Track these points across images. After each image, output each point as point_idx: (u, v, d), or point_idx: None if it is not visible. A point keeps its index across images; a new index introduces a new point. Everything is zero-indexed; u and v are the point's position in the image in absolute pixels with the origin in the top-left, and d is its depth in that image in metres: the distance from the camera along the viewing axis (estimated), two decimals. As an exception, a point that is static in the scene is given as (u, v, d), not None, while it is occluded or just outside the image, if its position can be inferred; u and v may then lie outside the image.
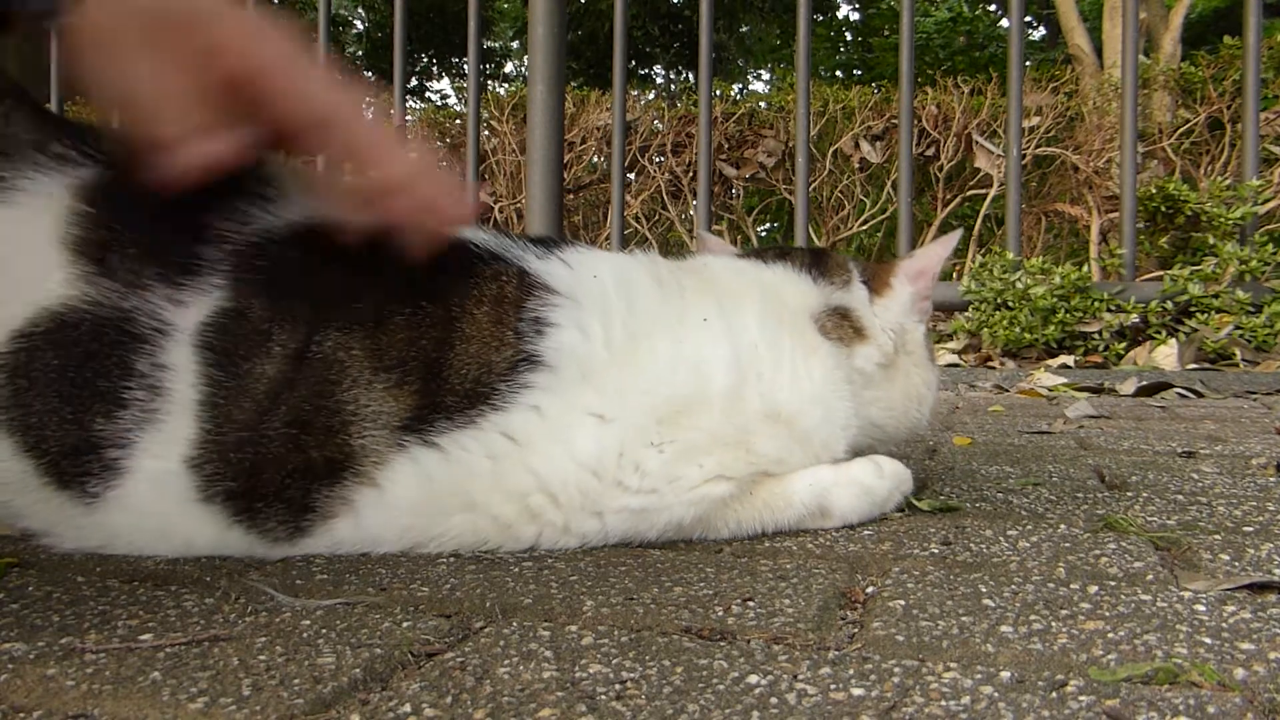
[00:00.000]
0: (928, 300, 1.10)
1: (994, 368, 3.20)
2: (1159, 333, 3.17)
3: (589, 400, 0.84)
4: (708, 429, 0.87)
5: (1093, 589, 0.73)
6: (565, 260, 0.91)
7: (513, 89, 6.74)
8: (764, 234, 8.11)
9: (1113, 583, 0.75)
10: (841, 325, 1.01)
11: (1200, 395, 2.54)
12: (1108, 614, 0.67)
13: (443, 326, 0.82)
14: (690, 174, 5.76)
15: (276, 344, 0.78)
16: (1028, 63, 6.77)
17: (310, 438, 0.78)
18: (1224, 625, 0.65)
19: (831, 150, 5.76)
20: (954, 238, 1.11)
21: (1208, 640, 0.62)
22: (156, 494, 0.78)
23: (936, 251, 1.09)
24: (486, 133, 5.87)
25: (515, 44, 16.83)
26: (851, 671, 0.57)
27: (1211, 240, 3.39)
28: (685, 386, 0.87)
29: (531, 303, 0.85)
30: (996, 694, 0.53)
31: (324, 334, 0.78)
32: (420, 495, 0.81)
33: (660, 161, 6.00)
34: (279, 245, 0.81)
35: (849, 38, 16.01)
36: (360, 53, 16.29)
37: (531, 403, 0.82)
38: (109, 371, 0.76)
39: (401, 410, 0.79)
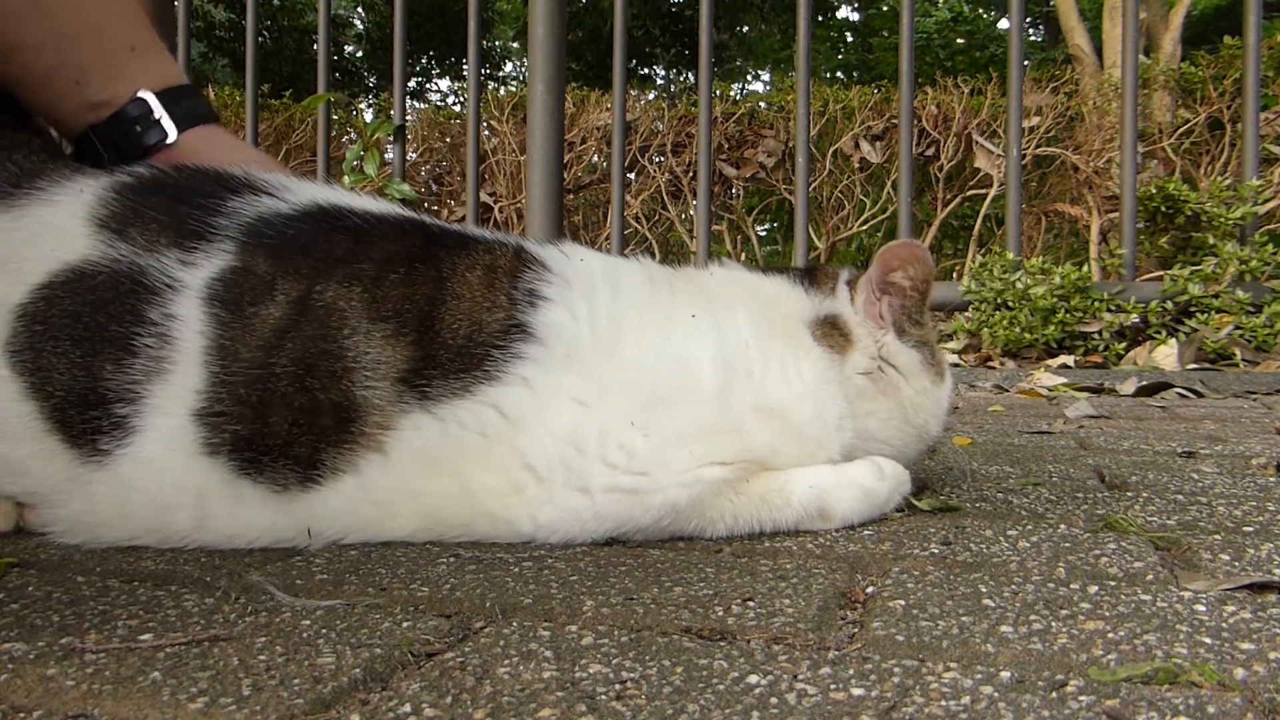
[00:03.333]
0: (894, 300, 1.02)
1: (994, 368, 3.20)
2: (1159, 333, 3.17)
3: (571, 383, 0.87)
4: (695, 418, 0.88)
5: (1093, 589, 0.73)
6: (561, 249, 0.97)
7: (513, 89, 6.74)
8: (764, 234, 8.11)
9: (1113, 583, 0.75)
10: (832, 334, 1.01)
11: (1200, 395, 2.54)
12: (1108, 614, 0.67)
13: (435, 285, 0.87)
14: (690, 174, 5.76)
15: (280, 292, 0.84)
16: (1027, 63, 6.76)
17: (316, 380, 0.81)
18: (1224, 625, 0.65)
19: (831, 150, 5.75)
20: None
21: (1208, 640, 0.62)
22: (165, 447, 0.81)
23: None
24: (486, 133, 5.87)
25: (515, 44, 16.83)
26: (851, 671, 0.57)
27: (1211, 240, 3.39)
28: (670, 376, 0.90)
29: (527, 275, 0.91)
30: (996, 694, 0.53)
31: (325, 285, 0.85)
32: (420, 461, 0.84)
33: (660, 161, 6.00)
34: (284, 220, 0.89)
35: (849, 38, 16.00)
36: (360, 53, 16.29)
37: (522, 374, 0.86)
38: (121, 316, 0.81)
39: (399, 360, 0.83)
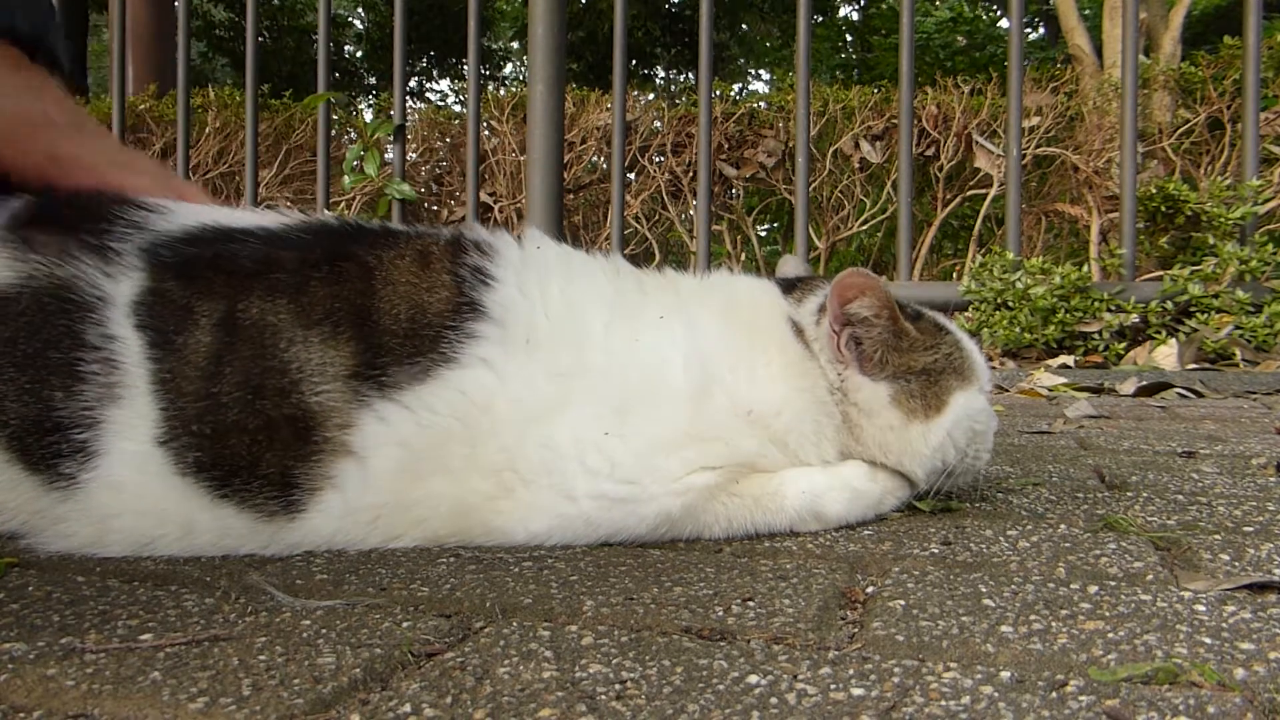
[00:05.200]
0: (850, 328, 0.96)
1: (994, 368, 3.21)
2: (1159, 333, 3.17)
3: (536, 374, 0.86)
4: (673, 422, 0.88)
5: (1093, 589, 0.73)
6: (516, 236, 0.97)
7: (513, 89, 6.74)
8: (764, 234, 8.10)
9: (1113, 583, 0.75)
10: (801, 336, 0.98)
11: (1200, 395, 2.54)
12: (1108, 614, 0.67)
13: (362, 277, 0.86)
14: (690, 174, 5.76)
15: (201, 315, 0.82)
16: (1027, 63, 6.76)
17: (266, 400, 0.80)
18: (1224, 625, 0.65)
19: (831, 150, 5.75)
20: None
21: (1208, 640, 0.62)
22: (136, 473, 0.79)
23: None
24: (486, 133, 5.87)
25: (515, 44, 16.83)
26: (851, 671, 0.57)
27: (1211, 240, 3.39)
28: (641, 379, 0.89)
29: (471, 256, 0.90)
30: (996, 694, 0.53)
31: (248, 303, 0.83)
32: (401, 458, 0.83)
33: (660, 161, 6.00)
34: (179, 241, 0.87)
35: (849, 38, 16.01)
36: (360, 53, 16.29)
37: (480, 355, 0.84)
38: (58, 342, 0.79)
39: (343, 358, 0.82)
